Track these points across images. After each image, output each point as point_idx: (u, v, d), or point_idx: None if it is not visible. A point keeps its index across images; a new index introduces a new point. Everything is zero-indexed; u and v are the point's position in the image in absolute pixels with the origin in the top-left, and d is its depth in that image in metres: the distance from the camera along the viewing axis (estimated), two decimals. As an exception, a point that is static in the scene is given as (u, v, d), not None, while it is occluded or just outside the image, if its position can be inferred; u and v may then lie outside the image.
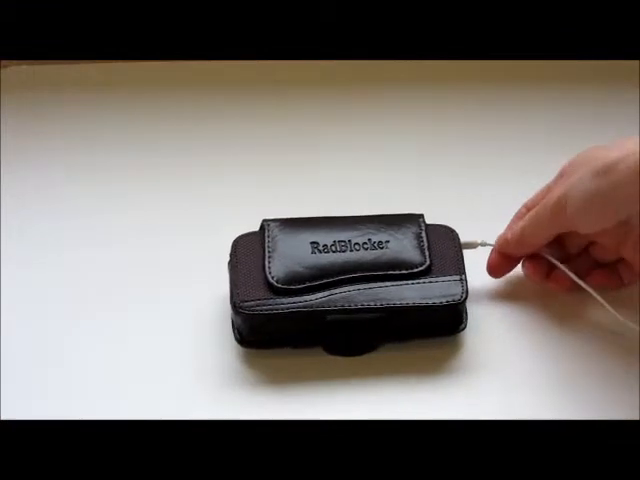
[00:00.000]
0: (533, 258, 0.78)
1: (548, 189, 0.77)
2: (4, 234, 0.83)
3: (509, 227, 0.79)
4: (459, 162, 0.89)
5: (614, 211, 0.72)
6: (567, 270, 0.77)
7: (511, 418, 0.71)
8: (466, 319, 0.76)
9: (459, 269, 0.76)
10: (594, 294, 0.76)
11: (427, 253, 0.76)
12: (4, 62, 0.94)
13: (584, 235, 0.76)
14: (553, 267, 0.78)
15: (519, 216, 0.79)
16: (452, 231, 0.78)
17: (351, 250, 0.76)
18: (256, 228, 0.78)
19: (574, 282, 0.77)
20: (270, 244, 0.77)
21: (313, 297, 0.74)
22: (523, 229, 0.77)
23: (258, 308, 0.74)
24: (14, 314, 0.78)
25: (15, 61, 0.95)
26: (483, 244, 0.79)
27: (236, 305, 0.74)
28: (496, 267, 0.79)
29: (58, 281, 0.80)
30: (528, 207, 0.79)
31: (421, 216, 0.79)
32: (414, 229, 0.78)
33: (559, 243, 0.78)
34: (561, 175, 0.76)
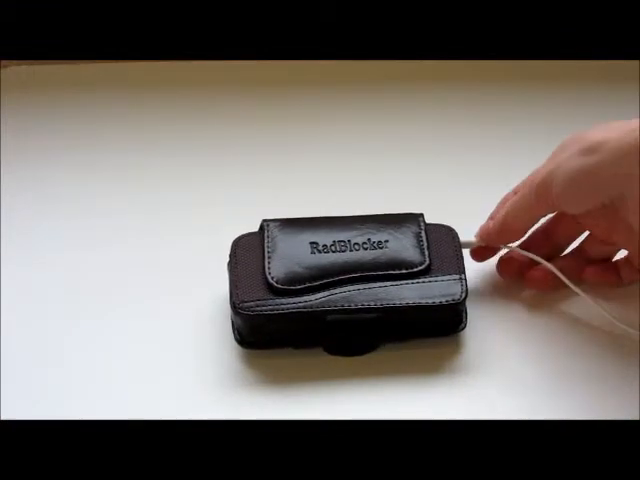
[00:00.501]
0: (506, 256, 0.78)
1: (536, 172, 0.76)
2: (4, 234, 0.83)
3: (491, 216, 0.78)
4: (459, 162, 0.89)
5: (599, 190, 0.71)
6: (553, 267, 0.76)
7: (510, 418, 0.71)
8: (466, 319, 0.76)
9: (459, 268, 0.76)
10: (579, 291, 0.76)
11: (427, 253, 0.76)
12: (4, 62, 0.94)
13: (573, 224, 0.76)
14: (534, 266, 0.77)
15: (503, 202, 0.78)
16: (452, 230, 0.78)
17: (351, 250, 0.76)
18: (256, 228, 0.78)
19: (555, 280, 0.76)
20: (270, 244, 0.77)
21: (313, 297, 0.74)
22: (507, 214, 0.76)
23: (258, 308, 0.74)
24: (14, 314, 0.78)
25: (15, 61, 0.95)
26: (483, 244, 0.79)
27: (236, 305, 0.74)
28: (478, 253, 0.78)
29: (58, 281, 0.80)
30: (515, 192, 0.78)
31: (421, 215, 0.78)
32: (414, 229, 0.78)
33: (547, 238, 0.78)
34: (550, 158, 0.76)
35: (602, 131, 0.71)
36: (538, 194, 0.74)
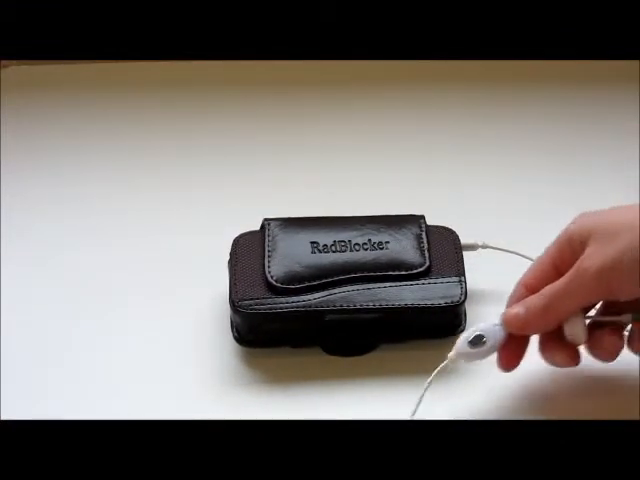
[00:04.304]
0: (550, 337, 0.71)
1: (561, 261, 0.70)
2: (4, 234, 0.83)
3: (515, 307, 0.71)
4: (460, 162, 0.89)
5: None
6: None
7: (509, 419, 0.71)
8: (465, 321, 0.76)
9: (458, 271, 0.76)
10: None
11: (427, 254, 0.76)
12: (4, 62, 0.95)
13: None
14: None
15: (518, 296, 0.71)
16: (452, 232, 0.78)
17: (351, 250, 0.76)
18: (256, 228, 0.79)
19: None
20: (270, 243, 0.77)
21: (312, 297, 0.74)
22: (550, 302, 0.69)
23: (257, 307, 0.74)
24: (14, 314, 0.78)
25: (15, 61, 0.95)
26: (484, 246, 0.79)
27: (235, 303, 0.74)
28: (510, 358, 0.71)
29: (58, 281, 0.80)
30: (527, 286, 0.72)
31: (422, 217, 0.78)
32: (414, 230, 0.78)
33: None
34: (581, 242, 0.69)
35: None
36: (597, 283, 0.67)
